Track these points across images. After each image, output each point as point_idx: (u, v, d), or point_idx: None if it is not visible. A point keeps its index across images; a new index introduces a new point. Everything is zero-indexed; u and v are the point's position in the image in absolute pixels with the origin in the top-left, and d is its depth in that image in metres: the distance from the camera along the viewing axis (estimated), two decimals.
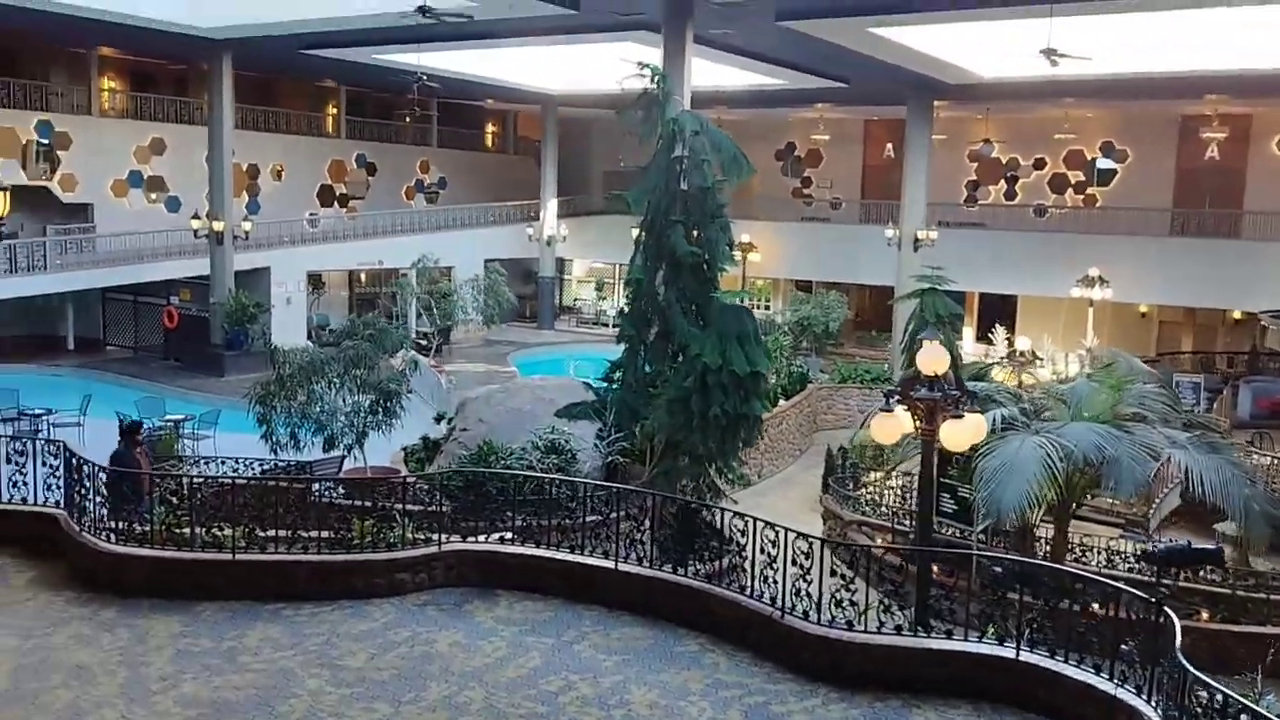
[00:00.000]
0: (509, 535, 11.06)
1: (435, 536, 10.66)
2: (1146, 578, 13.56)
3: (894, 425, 10.16)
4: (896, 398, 10.16)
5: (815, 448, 25.89)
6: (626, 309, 16.94)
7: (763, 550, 9.50)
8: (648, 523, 11.91)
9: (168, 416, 18.38)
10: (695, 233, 16.24)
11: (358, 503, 12.04)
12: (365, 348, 14.59)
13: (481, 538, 10.91)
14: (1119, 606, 7.79)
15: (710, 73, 26.93)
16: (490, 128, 44.76)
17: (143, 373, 26.40)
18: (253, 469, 13.75)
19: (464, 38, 24.36)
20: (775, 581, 9.25)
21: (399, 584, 10.37)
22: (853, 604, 8.96)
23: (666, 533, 12.33)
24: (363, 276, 35.77)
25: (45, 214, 28.99)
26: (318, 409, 14.21)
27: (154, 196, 31.08)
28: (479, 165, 41.95)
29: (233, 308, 26.52)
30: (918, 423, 10.08)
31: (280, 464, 13.91)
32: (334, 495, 12.83)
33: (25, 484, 11.51)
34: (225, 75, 26.23)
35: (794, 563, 9.13)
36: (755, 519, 9.70)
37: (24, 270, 26.75)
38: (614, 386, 16.93)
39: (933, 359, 9.96)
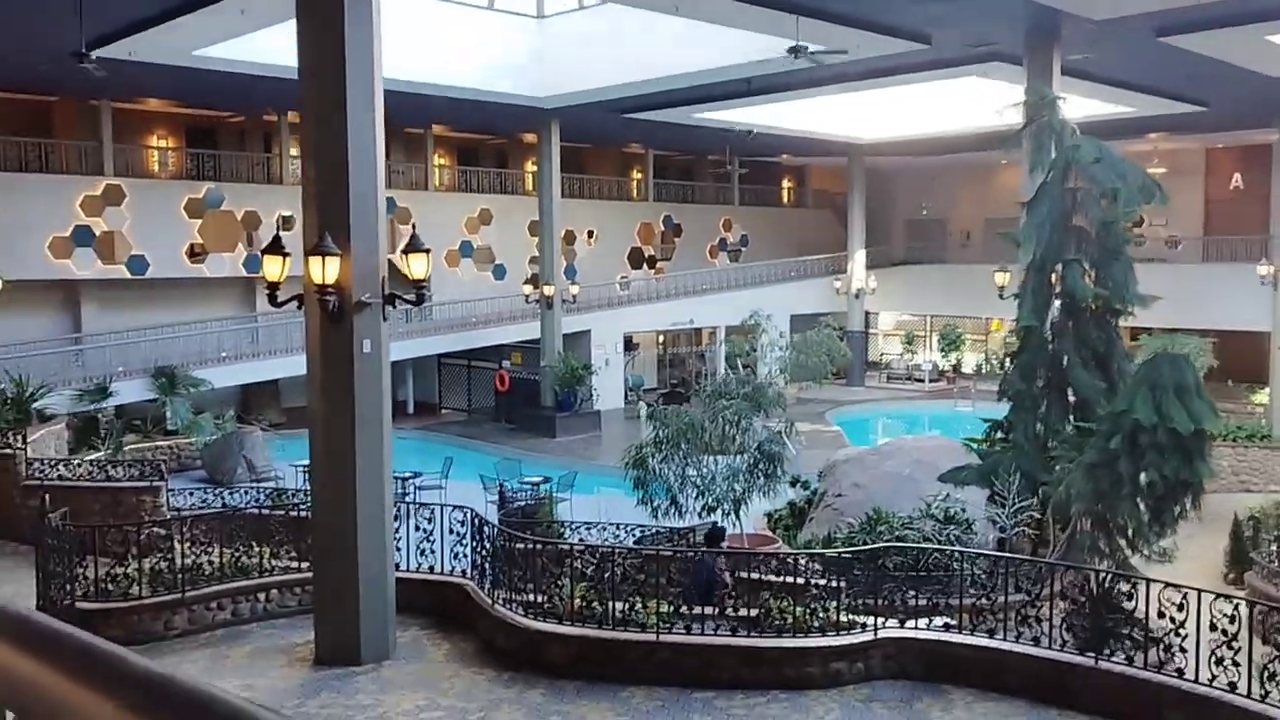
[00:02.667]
0: (950, 621, 9.71)
1: (869, 621, 9.48)
2: None
3: None
4: None
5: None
6: (1011, 361, 15.32)
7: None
8: (1063, 604, 10.30)
9: (525, 479, 18.37)
10: (1093, 272, 14.58)
11: (746, 575, 11.07)
12: (743, 407, 13.78)
13: (922, 622, 9.62)
14: None
15: None
16: (785, 183, 44.17)
17: (478, 434, 27.13)
18: (634, 534, 13.20)
19: (788, 89, 23.75)
20: None
21: (835, 674, 9.25)
22: None
23: (1081, 617, 10.59)
24: (660, 338, 35.79)
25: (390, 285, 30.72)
26: (694, 473, 13.49)
27: (481, 265, 32.35)
28: (777, 221, 41.33)
29: (563, 370, 26.86)
30: None
31: (660, 531, 13.24)
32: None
33: (432, 551, 11.39)
34: (554, 143, 26.87)
35: None
36: None
37: None
38: (997, 448, 15.30)
39: None
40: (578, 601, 9.78)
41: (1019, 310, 14.77)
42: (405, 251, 9.98)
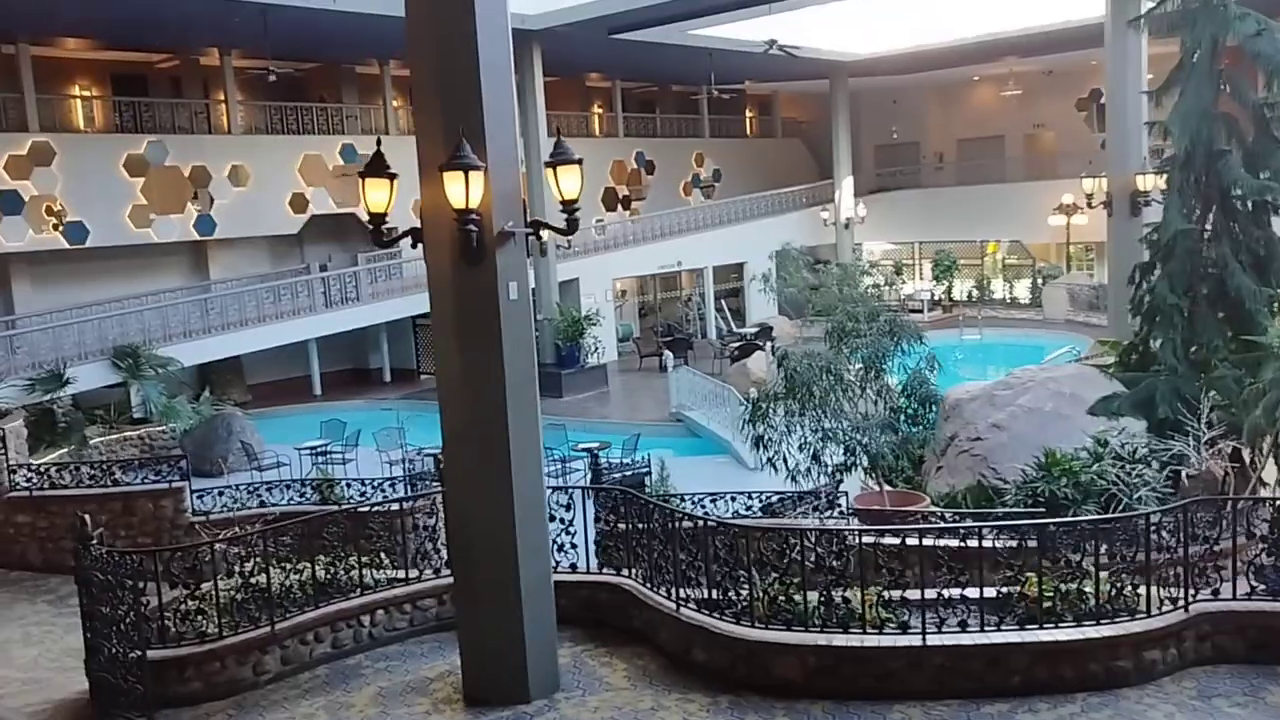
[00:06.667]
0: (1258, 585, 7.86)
1: (1178, 594, 7.58)
2: None
3: None
4: None
5: None
6: (1148, 274, 13.47)
7: None
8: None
9: (581, 445, 16.10)
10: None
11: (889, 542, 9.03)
12: (884, 344, 11.74)
13: (1241, 589, 7.74)
14: None
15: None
16: (749, 112, 41.98)
17: None
18: (761, 502, 11.16)
19: None
20: None
21: (1147, 666, 7.35)
22: None
23: (1271, 555, 8.90)
24: (626, 283, 33.68)
25: (350, 242, 28.03)
26: (832, 424, 11.43)
27: None
28: (747, 153, 39.23)
29: (564, 323, 24.48)
30: None
31: (802, 494, 11.18)
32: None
33: (573, 546, 9.16)
34: (537, 72, 24.26)
35: None
36: None
37: (338, 304, 25.61)
38: (1140, 370, 13.55)
39: None
40: (815, 598, 7.64)
41: (1165, 214, 12.96)
42: (551, 165, 7.62)
